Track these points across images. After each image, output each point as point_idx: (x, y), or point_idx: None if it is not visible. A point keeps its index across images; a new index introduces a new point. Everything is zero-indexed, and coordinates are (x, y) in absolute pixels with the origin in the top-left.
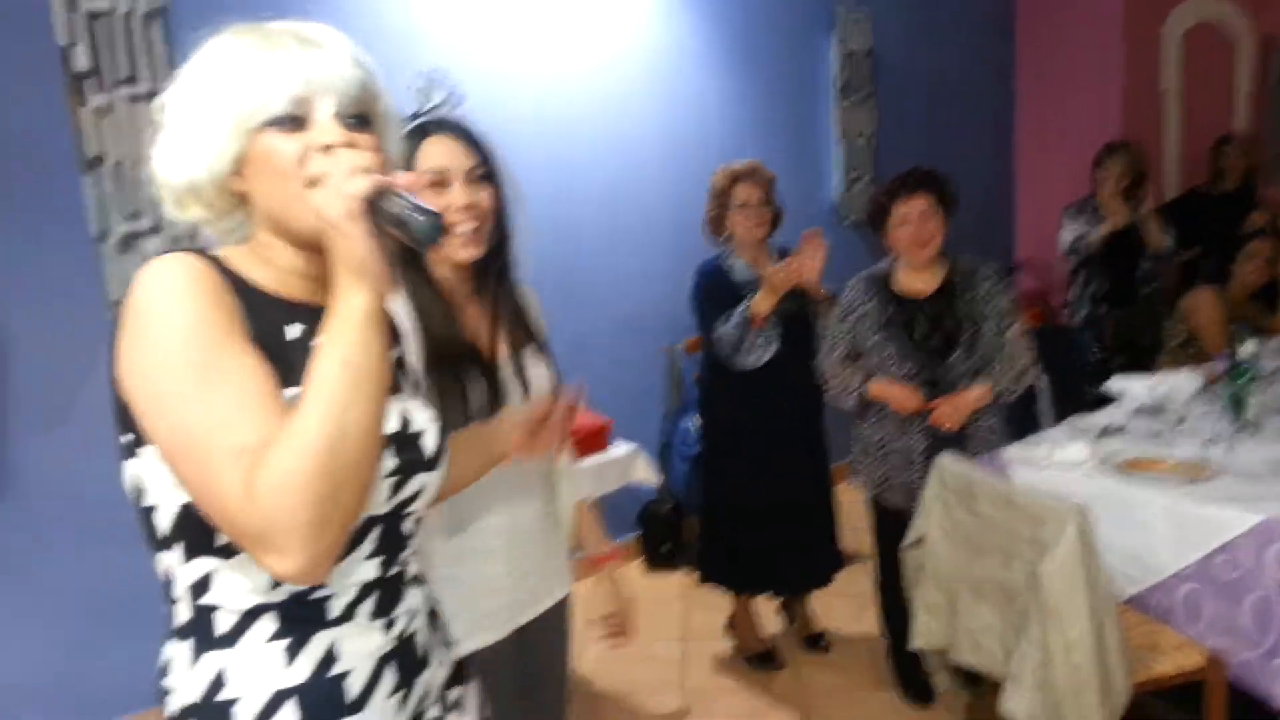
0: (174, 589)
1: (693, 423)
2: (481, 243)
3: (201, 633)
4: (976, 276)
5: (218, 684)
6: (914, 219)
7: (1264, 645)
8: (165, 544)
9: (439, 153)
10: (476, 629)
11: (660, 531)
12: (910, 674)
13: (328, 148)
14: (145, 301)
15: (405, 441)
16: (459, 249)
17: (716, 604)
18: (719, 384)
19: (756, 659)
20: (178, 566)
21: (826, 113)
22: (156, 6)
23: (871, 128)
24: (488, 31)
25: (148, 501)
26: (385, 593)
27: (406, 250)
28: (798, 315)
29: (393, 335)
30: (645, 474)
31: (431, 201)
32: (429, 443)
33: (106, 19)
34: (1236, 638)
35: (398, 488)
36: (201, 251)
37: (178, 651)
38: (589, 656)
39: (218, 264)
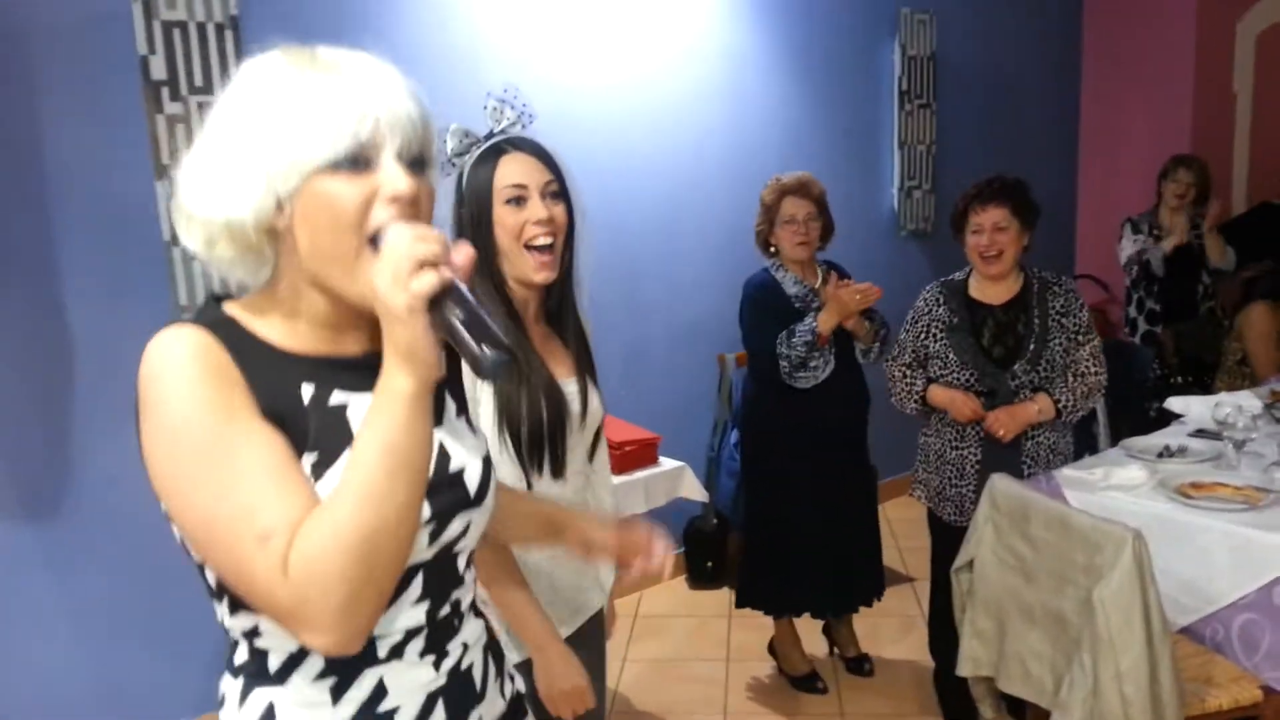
0: (230, 633)
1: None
2: (557, 265)
3: (253, 670)
4: (1054, 290)
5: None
6: (986, 229)
7: None
8: (215, 596)
9: (517, 170)
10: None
11: (705, 548)
12: (956, 701)
13: (395, 199)
14: (150, 385)
15: (444, 483)
16: (535, 272)
17: (760, 624)
18: (763, 399)
19: (799, 681)
20: (228, 617)
21: (888, 119)
22: (229, 16)
23: (931, 135)
24: (550, 40)
25: (194, 559)
26: (435, 632)
27: (481, 264)
28: (841, 330)
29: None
30: (692, 490)
31: (511, 216)
32: (472, 479)
33: (182, 29)
34: None
35: (437, 534)
36: (212, 315)
37: (230, 687)
38: (630, 675)
39: (228, 326)
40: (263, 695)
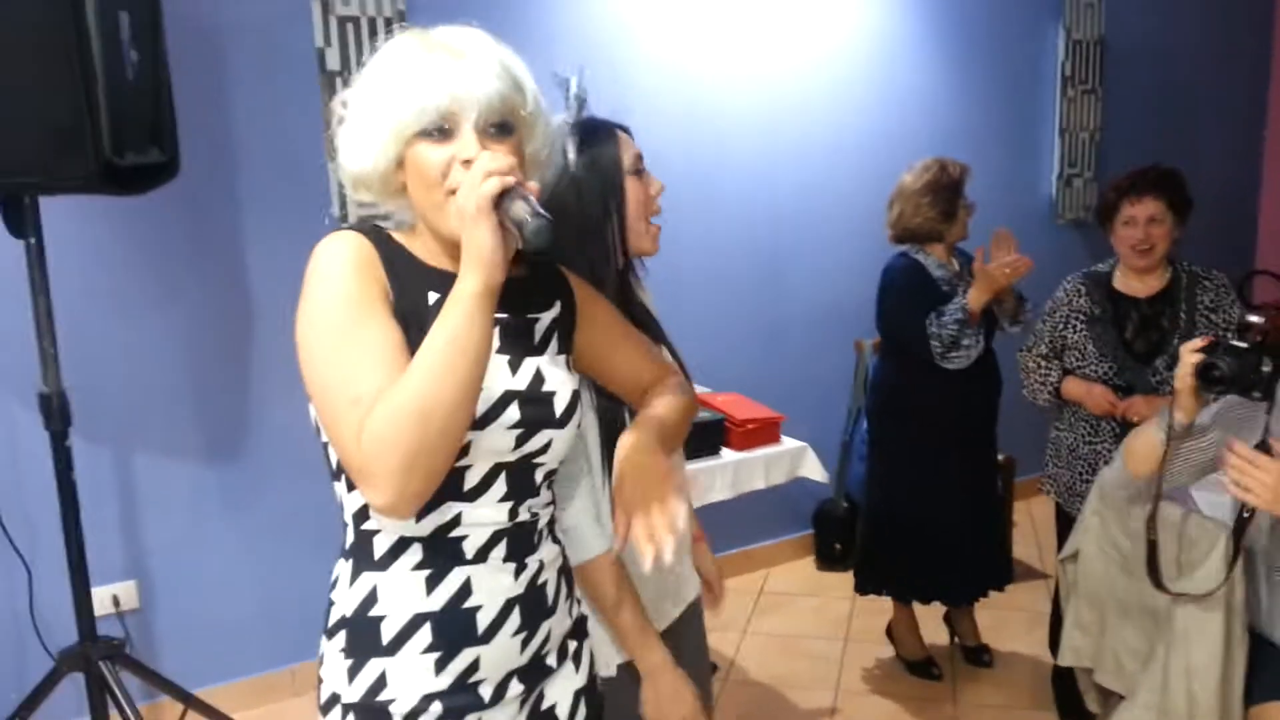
0: (344, 514)
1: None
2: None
3: (361, 555)
4: (1204, 284)
5: (370, 601)
6: (1140, 221)
7: None
8: (335, 475)
9: (631, 144)
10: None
11: (833, 531)
12: (1071, 696)
13: (467, 162)
14: (311, 273)
15: (533, 398)
16: (652, 242)
17: (883, 608)
18: (899, 382)
19: (915, 666)
20: (344, 495)
21: (1049, 105)
22: (397, 10)
23: (1096, 122)
24: (700, 35)
25: (323, 438)
26: (515, 540)
27: (616, 240)
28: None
29: (549, 299)
30: (813, 470)
31: (637, 186)
32: (560, 402)
33: (355, 23)
34: None
35: (523, 440)
36: (372, 227)
37: (342, 570)
38: (749, 648)
39: (384, 238)
40: (369, 579)
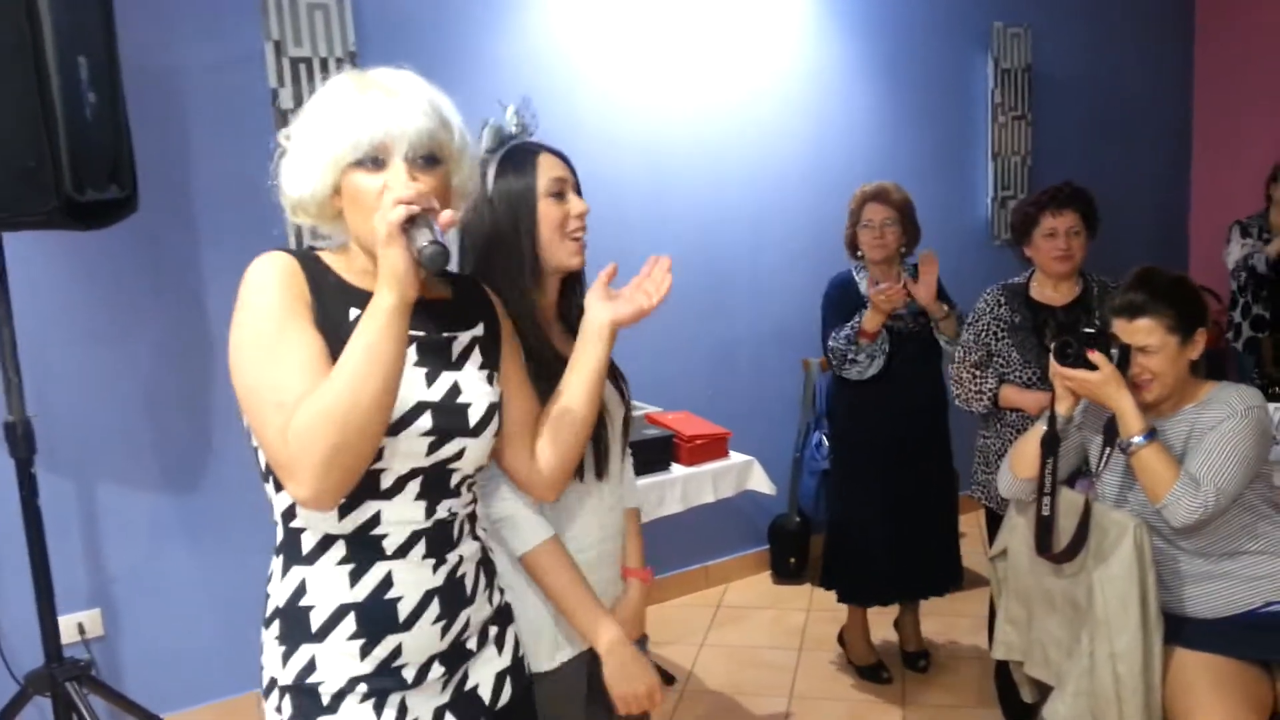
0: (273, 513)
1: (822, 437)
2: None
3: (290, 550)
4: (1112, 293)
5: (300, 592)
6: (1061, 232)
7: None
8: (265, 476)
9: (556, 164)
10: (564, 642)
11: (787, 545)
12: (1013, 692)
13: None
14: (242, 288)
15: (447, 409)
16: (574, 256)
17: (836, 617)
18: (842, 395)
19: (865, 670)
20: (273, 495)
21: (981, 131)
22: (348, 51)
23: (1027, 146)
24: (645, 72)
25: (254, 442)
26: (434, 538)
27: (529, 259)
28: (919, 332)
29: (471, 319)
30: (760, 483)
31: (555, 210)
32: (475, 413)
33: (307, 64)
34: None
35: (435, 446)
36: (305, 250)
37: (275, 565)
38: (706, 659)
39: (312, 259)
40: (298, 572)
